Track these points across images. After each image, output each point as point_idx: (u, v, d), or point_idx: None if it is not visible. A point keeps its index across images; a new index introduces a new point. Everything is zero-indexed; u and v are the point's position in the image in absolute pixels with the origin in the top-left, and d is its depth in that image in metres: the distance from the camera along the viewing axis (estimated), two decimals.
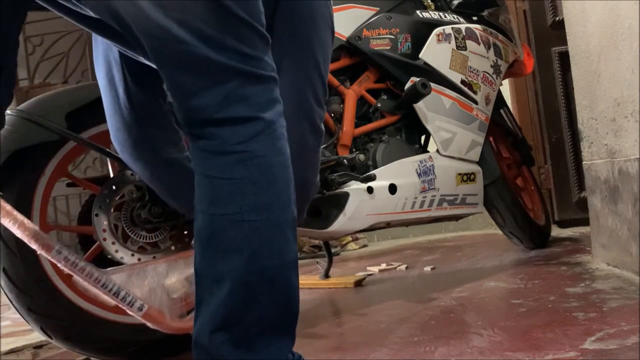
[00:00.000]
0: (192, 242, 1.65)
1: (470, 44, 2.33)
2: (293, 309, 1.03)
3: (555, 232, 3.05)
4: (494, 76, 2.41)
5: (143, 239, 1.62)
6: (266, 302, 0.98)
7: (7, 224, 1.09)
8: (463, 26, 2.34)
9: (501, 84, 2.51)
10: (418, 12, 2.29)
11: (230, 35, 0.98)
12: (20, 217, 1.09)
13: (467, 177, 2.27)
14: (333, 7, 2.13)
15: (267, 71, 1.02)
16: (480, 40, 2.37)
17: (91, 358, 1.64)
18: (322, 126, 1.37)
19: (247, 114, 0.98)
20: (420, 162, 2.12)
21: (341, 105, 2.12)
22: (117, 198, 1.61)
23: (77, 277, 1.14)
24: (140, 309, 1.17)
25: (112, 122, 1.39)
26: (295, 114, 1.28)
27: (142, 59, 1.22)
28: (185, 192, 1.14)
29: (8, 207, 1.09)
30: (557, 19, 3.22)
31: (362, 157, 2.02)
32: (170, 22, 0.96)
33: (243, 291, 0.97)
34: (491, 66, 2.40)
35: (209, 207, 0.99)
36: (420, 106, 2.17)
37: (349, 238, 3.79)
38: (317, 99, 1.32)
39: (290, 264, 1.01)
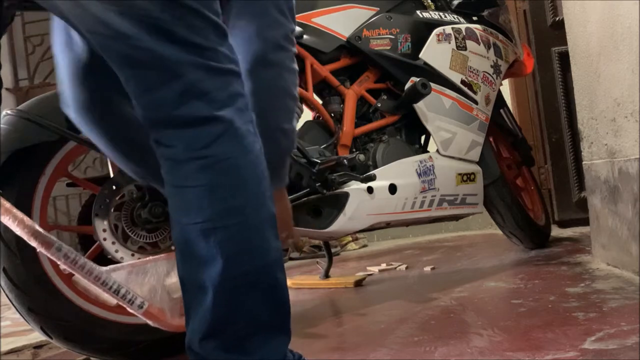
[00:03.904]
0: None
1: (470, 44, 2.33)
2: (284, 306, 1.02)
3: (555, 232, 3.05)
4: (494, 76, 2.41)
5: (143, 239, 1.62)
6: (253, 304, 0.97)
7: (7, 221, 1.09)
8: (463, 26, 2.34)
9: (501, 84, 2.51)
10: (418, 12, 2.29)
11: (178, 25, 0.94)
12: (19, 214, 1.09)
13: (467, 177, 2.27)
14: (333, 7, 2.15)
15: (223, 63, 0.97)
16: (480, 40, 2.37)
17: (91, 358, 1.64)
18: (292, 49, 1.28)
19: (206, 114, 0.95)
20: (420, 162, 2.12)
21: (341, 105, 2.13)
22: (117, 198, 1.61)
23: (77, 275, 1.14)
24: (140, 306, 1.17)
25: (71, 84, 1.24)
26: (262, 48, 1.21)
27: None
28: (144, 153, 1.11)
29: (7, 204, 1.09)
30: (557, 19, 3.22)
31: (362, 157, 2.02)
32: (110, 15, 0.92)
33: (226, 297, 0.96)
34: (491, 66, 2.40)
35: (180, 216, 0.97)
36: (420, 106, 2.17)
37: (349, 238, 3.79)
38: (281, 12, 1.24)
39: (273, 263, 0.99)
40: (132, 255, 1.60)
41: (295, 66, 1.29)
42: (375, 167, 2.04)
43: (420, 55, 2.22)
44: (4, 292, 1.49)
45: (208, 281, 0.95)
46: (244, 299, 0.96)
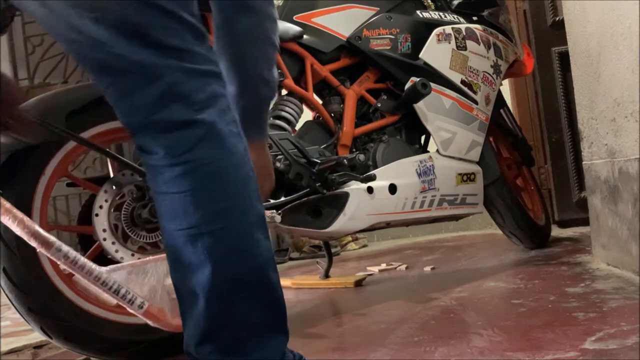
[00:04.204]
0: None
1: (470, 44, 2.33)
2: (279, 306, 1.01)
3: (555, 232, 3.05)
4: (494, 76, 2.41)
5: (143, 239, 1.62)
6: (247, 306, 0.97)
7: (7, 221, 1.09)
8: (463, 26, 2.34)
9: (501, 84, 2.51)
10: (418, 12, 2.29)
11: (154, 29, 0.92)
12: (19, 214, 1.09)
13: (467, 177, 2.27)
14: (333, 7, 2.16)
15: (201, 65, 0.96)
16: (480, 40, 2.37)
17: (91, 358, 1.64)
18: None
19: (186, 117, 0.93)
20: (420, 162, 2.12)
21: (341, 105, 2.13)
22: (117, 198, 1.61)
23: (77, 275, 1.14)
24: (140, 306, 1.17)
25: None
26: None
27: None
28: None
29: (7, 204, 1.09)
30: (557, 19, 3.22)
31: (362, 157, 2.02)
32: (85, 22, 0.90)
33: (218, 301, 0.95)
34: (491, 66, 2.40)
35: (167, 223, 0.96)
36: (420, 106, 2.17)
37: (349, 238, 3.79)
38: None
39: (264, 264, 0.99)
40: (132, 255, 1.60)
41: (275, 13, 1.25)
42: (375, 167, 2.04)
43: (420, 55, 2.22)
44: (4, 292, 1.49)
45: (198, 287, 0.95)
46: (237, 302, 0.96)
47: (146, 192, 1.60)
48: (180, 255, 0.96)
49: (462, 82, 2.28)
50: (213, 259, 0.94)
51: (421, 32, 2.24)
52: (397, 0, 2.27)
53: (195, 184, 0.94)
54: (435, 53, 2.24)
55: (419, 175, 2.10)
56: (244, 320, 0.97)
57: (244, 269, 0.96)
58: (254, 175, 1.01)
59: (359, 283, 2.43)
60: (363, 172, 2.00)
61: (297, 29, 2.06)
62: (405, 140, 2.22)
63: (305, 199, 1.89)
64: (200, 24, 0.98)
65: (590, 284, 1.85)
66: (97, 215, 1.59)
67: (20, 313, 1.51)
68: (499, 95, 2.54)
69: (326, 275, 2.52)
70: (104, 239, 1.59)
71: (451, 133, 2.24)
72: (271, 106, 1.34)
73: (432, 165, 2.15)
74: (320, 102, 2.15)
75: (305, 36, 2.08)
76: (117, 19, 0.91)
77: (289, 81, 2.02)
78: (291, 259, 3.71)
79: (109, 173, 1.68)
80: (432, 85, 2.13)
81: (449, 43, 2.27)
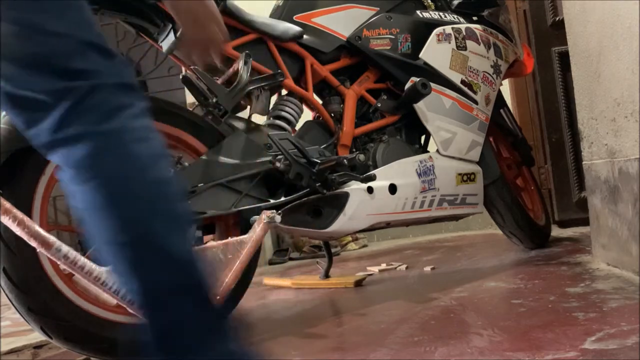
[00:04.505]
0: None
1: (470, 44, 2.33)
2: (213, 304, 0.99)
3: (555, 232, 3.05)
4: (494, 76, 2.41)
5: None
6: (181, 308, 0.95)
7: (7, 221, 1.09)
8: (463, 26, 2.34)
9: (501, 84, 2.51)
10: (418, 12, 2.29)
11: (54, 56, 0.92)
12: (20, 214, 1.10)
13: (467, 177, 2.27)
14: (333, 7, 2.16)
15: (108, 79, 0.95)
16: (480, 40, 2.37)
17: (91, 358, 1.64)
18: None
19: (88, 131, 0.93)
20: (421, 162, 2.12)
21: (341, 105, 2.13)
22: None
23: (77, 275, 1.14)
24: None
25: None
26: None
27: None
28: None
29: (8, 204, 1.10)
30: (557, 19, 3.22)
31: (362, 157, 2.02)
32: None
33: (153, 309, 0.95)
34: (491, 66, 2.40)
35: (97, 240, 0.96)
36: (421, 106, 2.17)
37: (349, 238, 3.79)
38: None
39: (188, 264, 0.97)
40: None
41: None
42: (375, 167, 2.04)
43: (420, 55, 2.22)
44: (4, 292, 1.49)
45: (136, 299, 0.95)
46: (170, 307, 0.95)
47: None
48: (115, 271, 0.96)
49: (462, 82, 2.28)
50: (137, 269, 0.93)
51: (421, 32, 2.24)
52: (397, 0, 2.27)
53: (105, 197, 0.93)
54: (435, 53, 2.24)
55: (419, 175, 2.10)
56: (181, 323, 0.96)
57: (172, 273, 0.95)
58: (168, 176, 0.99)
59: (359, 283, 2.44)
60: (363, 172, 2.00)
61: (297, 29, 2.06)
62: (405, 140, 2.22)
63: (305, 199, 1.89)
64: (104, 41, 0.98)
65: (590, 284, 1.85)
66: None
67: (20, 313, 1.51)
68: (499, 95, 2.54)
69: (326, 275, 2.52)
70: None
71: (451, 133, 2.24)
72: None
73: (432, 165, 2.15)
74: (320, 102, 2.15)
75: (305, 36, 2.08)
76: (14, 52, 0.91)
77: (289, 81, 2.02)
78: (291, 259, 3.71)
79: None
80: (432, 85, 2.13)
81: (449, 43, 2.27)
